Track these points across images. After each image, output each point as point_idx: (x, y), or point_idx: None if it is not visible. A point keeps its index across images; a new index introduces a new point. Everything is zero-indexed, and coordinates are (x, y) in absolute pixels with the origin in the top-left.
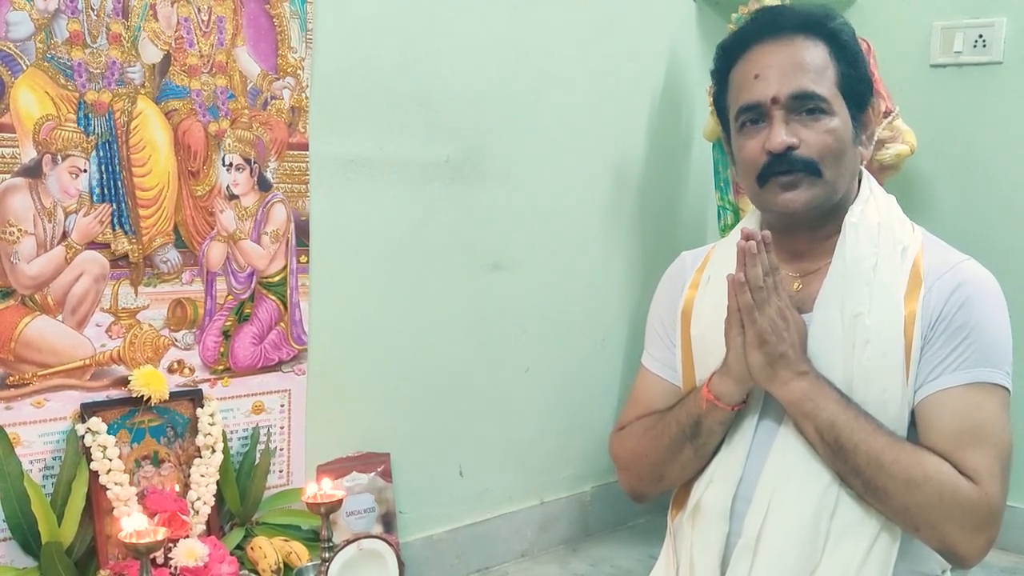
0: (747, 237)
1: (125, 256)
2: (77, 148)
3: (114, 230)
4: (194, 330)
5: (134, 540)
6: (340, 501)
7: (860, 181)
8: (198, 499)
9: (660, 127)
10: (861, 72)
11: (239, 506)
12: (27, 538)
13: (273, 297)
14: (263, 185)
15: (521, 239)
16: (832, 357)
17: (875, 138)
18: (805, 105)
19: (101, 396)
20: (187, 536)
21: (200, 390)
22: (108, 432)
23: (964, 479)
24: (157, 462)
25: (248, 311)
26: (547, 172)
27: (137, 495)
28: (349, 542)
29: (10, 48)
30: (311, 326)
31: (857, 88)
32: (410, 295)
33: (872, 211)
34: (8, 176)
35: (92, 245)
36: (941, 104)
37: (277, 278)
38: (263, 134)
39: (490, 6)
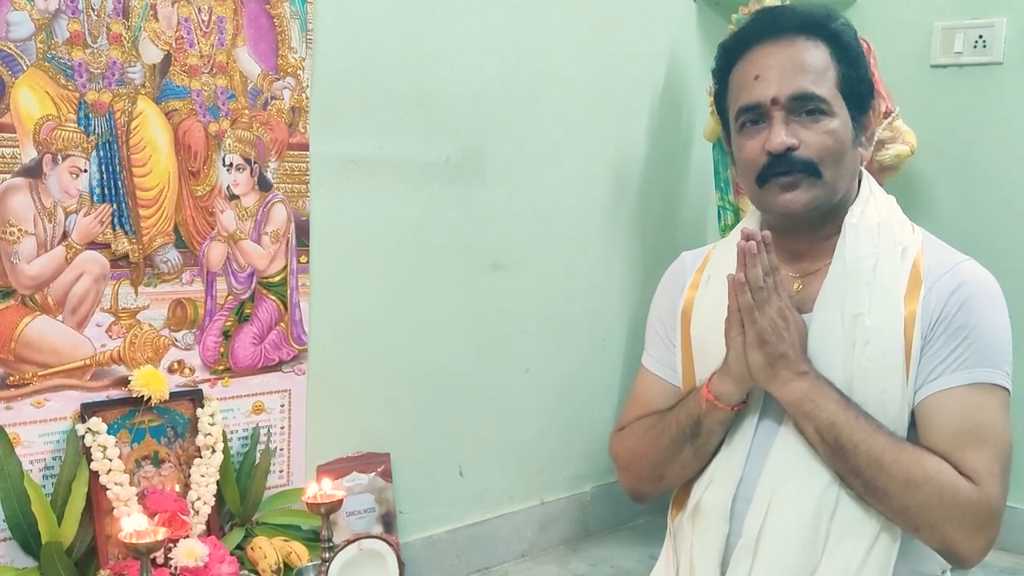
0: (747, 237)
1: (125, 256)
2: (77, 148)
3: (114, 230)
4: (194, 330)
5: (134, 540)
6: (340, 501)
7: (860, 182)
8: (198, 499)
9: (660, 127)
10: (862, 73)
11: (239, 506)
12: (27, 538)
13: (273, 297)
14: (263, 185)
15: (521, 239)
16: (832, 357)
17: (875, 139)
18: (805, 106)
19: (101, 396)
20: (187, 536)
21: (200, 390)
22: (108, 432)
23: (964, 479)
24: (157, 462)
25: (248, 311)
26: (547, 172)
27: (137, 495)
28: (349, 542)
29: (10, 48)
30: (311, 326)
31: (858, 89)
32: (410, 295)
33: (872, 211)
34: (8, 176)
35: (92, 245)
36: (941, 104)
37: (277, 278)
38: (263, 134)
39: (490, 6)
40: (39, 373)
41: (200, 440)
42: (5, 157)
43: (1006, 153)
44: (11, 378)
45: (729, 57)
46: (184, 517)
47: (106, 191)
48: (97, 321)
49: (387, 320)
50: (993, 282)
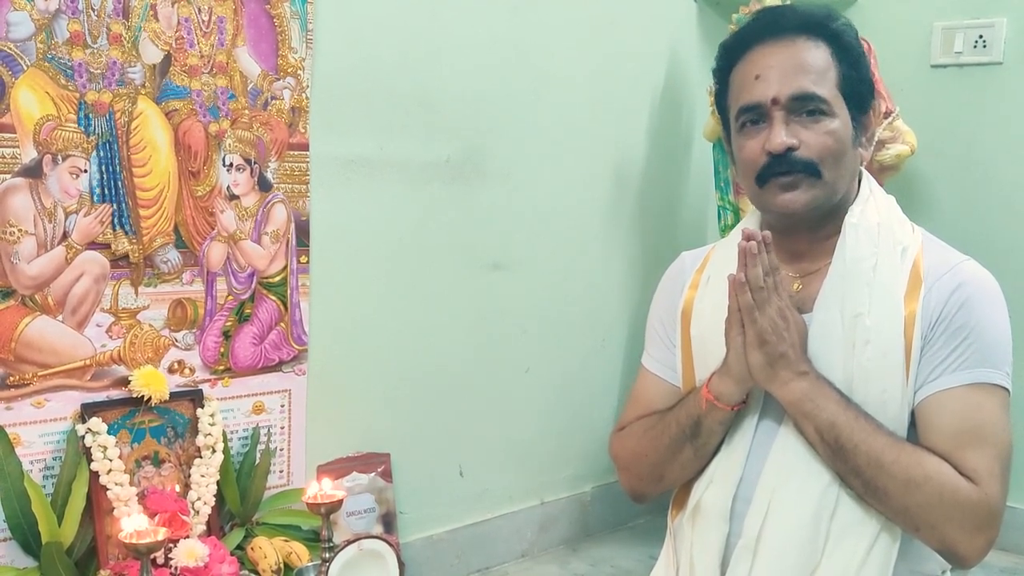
0: (748, 237)
1: (125, 256)
2: (77, 148)
3: (114, 230)
4: (194, 330)
5: (134, 540)
6: (340, 501)
7: (860, 182)
8: (198, 499)
9: (660, 127)
10: (863, 74)
11: (239, 506)
12: (27, 538)
13: (273, 297)
14: (263, 185)
15: (521, 239)
16: (832, 357)
17: (875, 139)
18: (805, 106)
19: (101, 396)
20: (187, 536)
21: (200, 390)
22: (108, 432)
23: (964, 479)
24: (157, 462)
25: (248, 311)
26: (547, 172)
27: (137, 495)
28: (349, 542)
29: (11, 48)
30: (311, 326)
31: (858, 90)
32: (410, 295)
33: (872, 211)
34: (8, 176)
35: (92, 245)
36: (941, 104)
37: (277, 278)
38: (263, 134)
39: (490, 6)
40: (39, 373)
41: (200, 440)
42: (5, 157)
43: (1006, 153)
44: (11, 378)
45: (730, 56)
46: (184, 517)
47: (106, 191)
48: (97, 321)
49: (387, 320)
50: (993, 282)
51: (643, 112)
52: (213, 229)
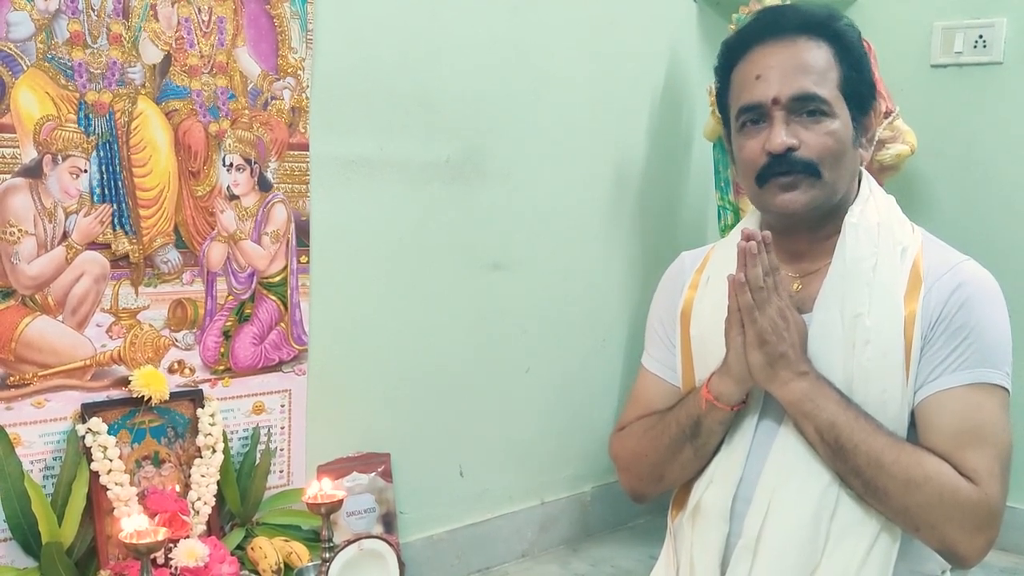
0: (747, 237)
1: (126, 256)
2: (77, 148)
3: (114, 230)
4: (194, 330)
5: (134, 540)
6: (340, 501)
7: (860, 182)
8: (198, 499)
9: (660, 127)
10: (864, 75)
11: (239, 506)
12: (27, 538)
13: (273, 297)
14: (263, 185)
15: (521, 239)
16: (832, 357)
17: (875, 139)
18: (806, 107)
19: (101, 396)
20: (187, 536)
21: (200, 390)
22: (108, 432)
23: (964, 479)
24: (157, 462)
25: (248, 311)
26: (547, 172)
27: (137, 495)
28: (350, 542)
29: (11, 48)
30: (311, 326)
31: (859, 90)
32: (410, 295)
33: (872, 211)
34: (8, 176)
35: (92, 245)
36: (941, 104)
37: (277, 278)
38: (263, 134)
39: (490, 6)
40: (39, 373)
41: (200, 440)
42: (5, 157)
43: (1006, 153)
44: (11, 378)
45: (731, 56)
46: (184, 517)
47: (106, 191)
48: (97, 321)
49: (387, 320)
50: (993, 282)
51: (643, 112)
52: (213, 229)
